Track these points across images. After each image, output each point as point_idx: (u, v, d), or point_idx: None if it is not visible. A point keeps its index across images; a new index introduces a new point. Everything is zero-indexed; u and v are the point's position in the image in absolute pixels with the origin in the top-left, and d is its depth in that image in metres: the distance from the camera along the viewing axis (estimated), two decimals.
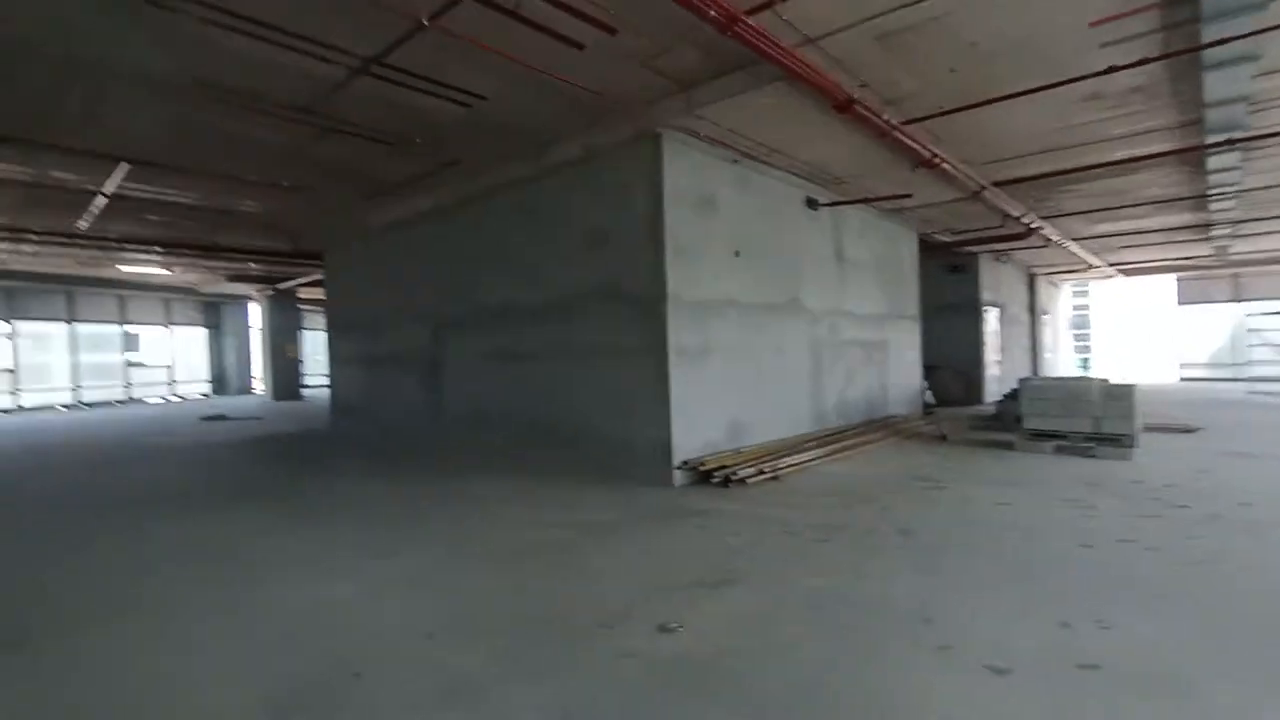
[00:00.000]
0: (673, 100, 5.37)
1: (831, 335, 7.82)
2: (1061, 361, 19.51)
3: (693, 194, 5.87)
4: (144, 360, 19.20)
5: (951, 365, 12.56)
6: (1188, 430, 7.96)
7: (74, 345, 17.42)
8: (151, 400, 18.59)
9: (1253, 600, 2.90)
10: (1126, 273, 16.95)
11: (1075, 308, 24.29)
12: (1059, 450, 6.70)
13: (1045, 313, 17.33)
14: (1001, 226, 9.53)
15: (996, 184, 7.93)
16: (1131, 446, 6.28)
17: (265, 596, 3.22)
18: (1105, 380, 7.01)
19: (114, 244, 10.74)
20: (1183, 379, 18.36)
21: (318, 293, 15.35)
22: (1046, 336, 17.31)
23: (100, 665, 2.54)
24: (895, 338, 9.34)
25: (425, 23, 3.95)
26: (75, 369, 17.43)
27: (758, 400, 6.53)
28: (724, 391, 6.11)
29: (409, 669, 2.45)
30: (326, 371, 11.49)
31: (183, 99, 5.30)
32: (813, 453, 6.56)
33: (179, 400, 18.97)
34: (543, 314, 6.71)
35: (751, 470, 5.67)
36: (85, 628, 2.90)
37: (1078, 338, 25.16)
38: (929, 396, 11.94)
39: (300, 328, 19.86)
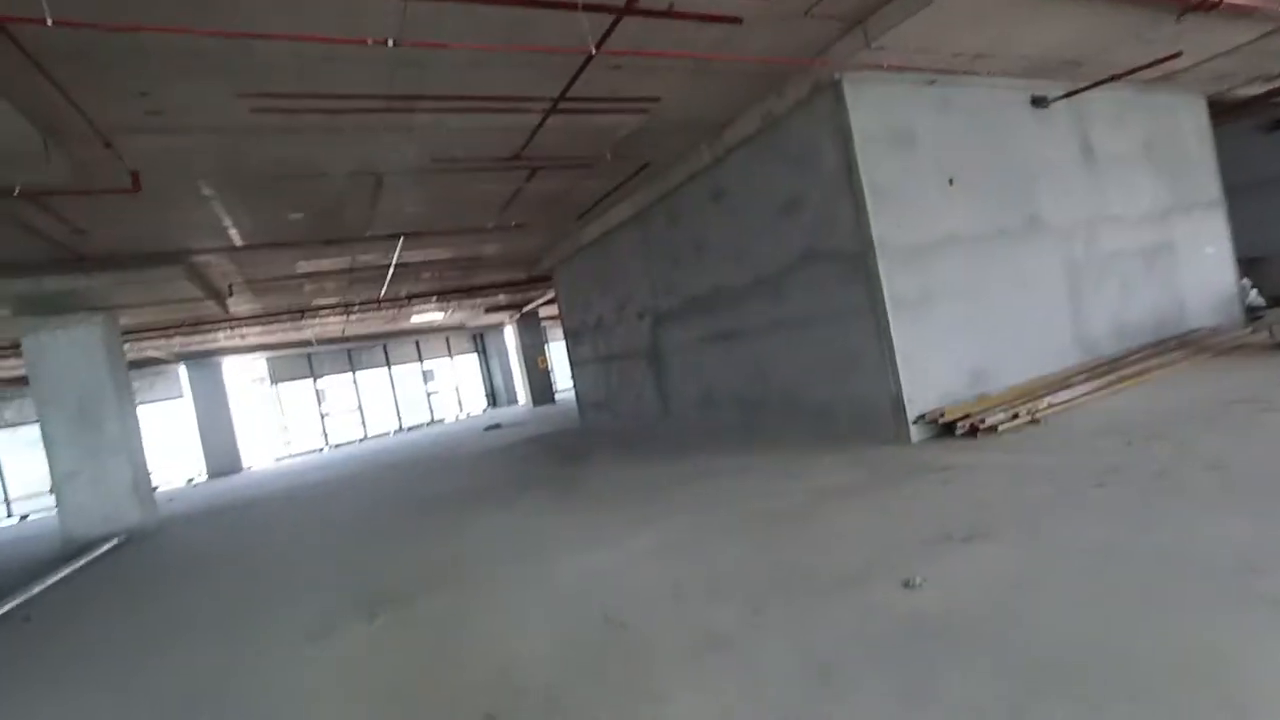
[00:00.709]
0: (846, 41, 5.07)
1: (1089, 249, 6.61)
2: None
3: (886, 131, 5.46)
4: (438, 389, 23.76)
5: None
6: None
7: (393, 384, 22.18)
8: (447, 419, 22.80)
9: None
10: None
11: None
12: None
13: None
14: None
15: None
16: None
17: (547, 569, 3.87)
18: None
19: (404, 300, 13.44)
20: None
21: (553, 309, 17.46)
22: None
23: (434, 624, 3.34)
24: (1186, 234, 7.52)
25: (594, 52, 4.32)
26: (396, 402, 22.20)
27: (1000, 339, 5.83)
28: (955, 336, 5.58)
29: (667, 623, 2.79)
30: (570, 375, 12.98)
31: (427, 177, 6.51)
32: (1081, 388, 5.66)
33: (465, 415, 22.96)
34: (749, 291, 6.81)
35: (1003, 415, 5.12)
36: (428, 596, 3.81)
37: None
38: (1254, 297, 9.37)
39: (545, 342, 22.65)
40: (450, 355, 23.97)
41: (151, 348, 13.28)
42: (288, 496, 10.16)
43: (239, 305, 11.36)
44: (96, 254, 7.12)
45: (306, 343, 17.96)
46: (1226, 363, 6.07)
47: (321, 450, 19.83)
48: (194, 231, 6.96)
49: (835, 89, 5.34)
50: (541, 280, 13.76)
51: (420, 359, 23.08)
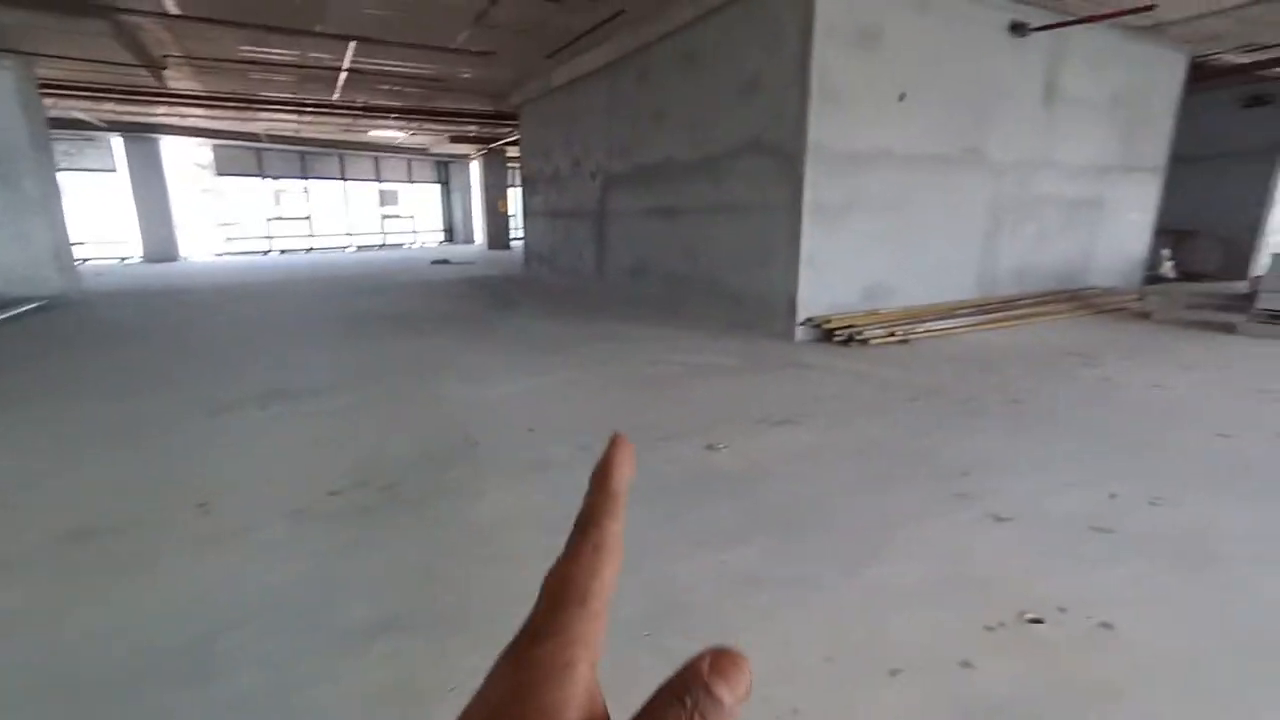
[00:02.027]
0: None
1: (1020, 191, 6.85)
2: None
3: (852, 26, 5.35)
4: (395, 213, 23.13)
5: (1211, 231, 10.13)
6: None
7: (346, 199, 21.42)
8: (402, 245, 22.44)
9: None
10: None
11: None
12: None
13: None
14: None
15: None
16: None
17: (438, 393, 4.31)
18: None
19: (361, 111, 12.72)
20: None
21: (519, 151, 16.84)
22: None
23: (318, 420, 3.77)
24: (1117, 194, 7.80)
25: None
26: (348, 219, 21.59)
27: (908, 261, 6.19)
28: (866, 250, 5.91)
29: (512, 448, 3.28)
30: (522, 224, 12.91)
31: None
32: (965, 319, 6.18)
33: (419, 245, 22.65)
34: (696, 169, 6.85)
35: (880, 332, 5.61)
36: (321, 397, 4.22)
37: None
38: (1168, 269, 9.96)
39: (509, 185, 21.96)
40: (411, 180, 23.06)
41: (79, 109, 12.38)
42: (217, 290, 10.26)
43: (178, 81, 10.60)
44: None
45: (255, 137, 16.98)
46: (1098, 321, 6.65)
47: (265, 254, 19.48)
48: None
49: None
50: (509, 118, 13.16)
51: (378, 178, 22.16)
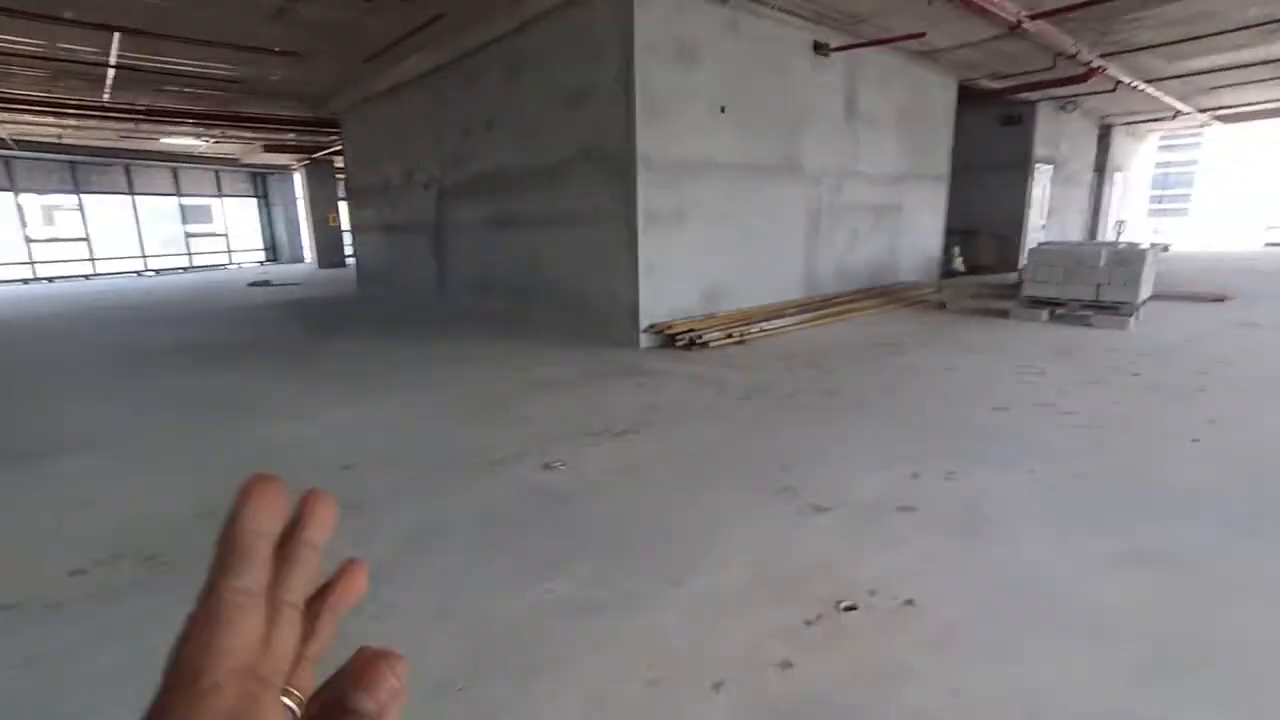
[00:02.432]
0: None
1: (834, 198, 7.48)
2: (1131, 226, 17.87)
3: (670, 43, 5.50)
4: (202, 230, 20.43)
5: (989, 230, 11.82)
6: (1218, 299, 7.43)
7: (137, 216, 18.56)
8: (217, 267, 19.90)
9: (1110, 461, 2.96)
10: (1226, 119, 14.82)
11: (1166, 163, 21.73)
12: (1054, 318, 6.47)
13: (1118, 170, 15.65)
14: (1052, 69, 8.46)
15: (1040, 14, 6.94)
16: (1130, 315, 5.99)
17: (234, 435, 3.75)
18: (1124, 245, 6.56)
19: (142, 115, 11.05)
20: (1268, 244, 16.56)
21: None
22: (1113, 198, 15.76)
23: (78, 478, 3.12)
24: (913, 200, 8.81)
25: None
26: (140, 238, 18.72)
27: (740, 265, 6.49)
28: (701, 256, 6.11)
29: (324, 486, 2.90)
30: (352, 240, 11.93)
31: None
32: (793, 318, 6.59)
33: (237, 266, 20.24)
34: (531, 179, 6.69)
35: (718, 334, 5.81)
36: (102, 446, 3.50)
37: (1167, 199, 22.78)
38: (959, 264, 11.43)
39: (339, 197, 20.34)
40: (221, 194, 20.52)
41: None
42: None
43: None
44: None
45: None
46: (905, 313, 7.44)
47: (26, 281, 16.28)
48: None
49: None
50: (331, 125, 12.11)
51: (179, 192, 19.46)
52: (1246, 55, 9.32)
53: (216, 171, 19.87)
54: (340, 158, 17.01)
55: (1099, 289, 6.14)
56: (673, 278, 5.90)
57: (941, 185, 9.39)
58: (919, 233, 9.12)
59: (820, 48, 6.91)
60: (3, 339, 7.56)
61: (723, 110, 6.00)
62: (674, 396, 4.25)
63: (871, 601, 1.94)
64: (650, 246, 5.65)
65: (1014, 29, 6.95)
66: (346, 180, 11.32)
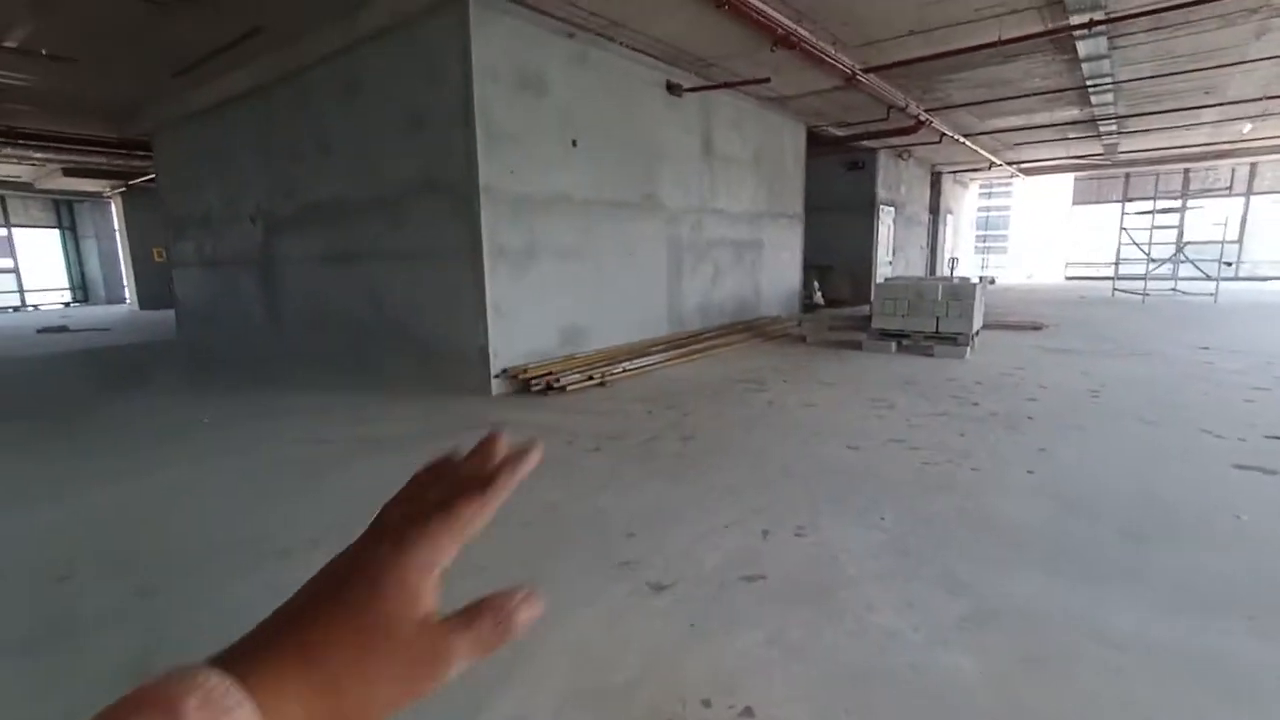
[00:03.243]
0: None
1: (695, 235, 7.48)
2: (962, 263, 19.99)
3: (513, 71, 5.19)
4: None
5: (843, 265, 12.57)
6: (1035, 328, 8.22)
7: None
8: (8, 309, 16.82)
9: (956, 502, 2.91)
10: (1026, 171, 17.08)
11: (987, 208, 24.75)
12: (901, 349, 6.78)
13: (949, 212, 17.46)
14: (887, 120, 9.16)
15: (871, 69, 7.43)
16: (967, 345, 6.38)
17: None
18: (956, 280, 7.03)
19: None
20: (1067, 278, 19.17)
21: None
22: (947, 237, 17.54)
23: None
24: (772, 237, 9.10)
25: None
26: None
27: (600, 304, 6.22)
28: (557, 295, 5.76)
29: (10, 616, 2.15)
30: (171, 277, 10.42)
31: None
32: (658, 356, 6.40)
33: (33, 309, 17.27)
34: (371, 210, 6.04)
35: (578, 377, 5.46)
36: None
37: (990, 238, 25.86)
38: (819, 297, 12.00)
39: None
40: (10, 225, 17.49)
41: None
42: None
43: None
44: None
45: None
46: (769, 347, 7.52)
47: None
48: None
49: (461, 6, 4.85)
50: (144, 146, 10.61)
51: None
52: (1038, 119, 10.71)
53: (2, 198, 16.93)
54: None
55: (938, 321, 6.51)
56: (526, 318, 5.50)
57: (798, 223, 9.81)
58: (780, 268, 9.41)
59: (673, 88, 6.94)
60: None
61: (574, 144, 5.77)
62: None
63: (705, 716, 1.60)
64: (499, 285, 5.23)
65: (850, 81, 7.39)
66: (163, 208, 9.90)
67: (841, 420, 4.28)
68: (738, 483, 3.17)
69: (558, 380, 5.31)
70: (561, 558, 2.46)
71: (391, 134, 5.69)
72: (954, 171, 16.77)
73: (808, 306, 10.88)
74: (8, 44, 6.29)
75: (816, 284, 12.14)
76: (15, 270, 17.56)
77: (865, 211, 12.50)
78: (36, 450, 4.13)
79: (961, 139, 11.58)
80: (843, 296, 12.49)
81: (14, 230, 17.46)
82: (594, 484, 3.23)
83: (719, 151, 7.77)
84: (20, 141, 10.11)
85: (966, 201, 19.75)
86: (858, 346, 7.11)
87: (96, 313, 15.79)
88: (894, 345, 6.81)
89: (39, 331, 11.49)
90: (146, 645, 1.96)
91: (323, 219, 6.66)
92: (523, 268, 5.42)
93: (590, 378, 5.52)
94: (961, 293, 6.48)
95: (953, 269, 17.50)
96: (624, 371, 5.86)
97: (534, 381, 5.29)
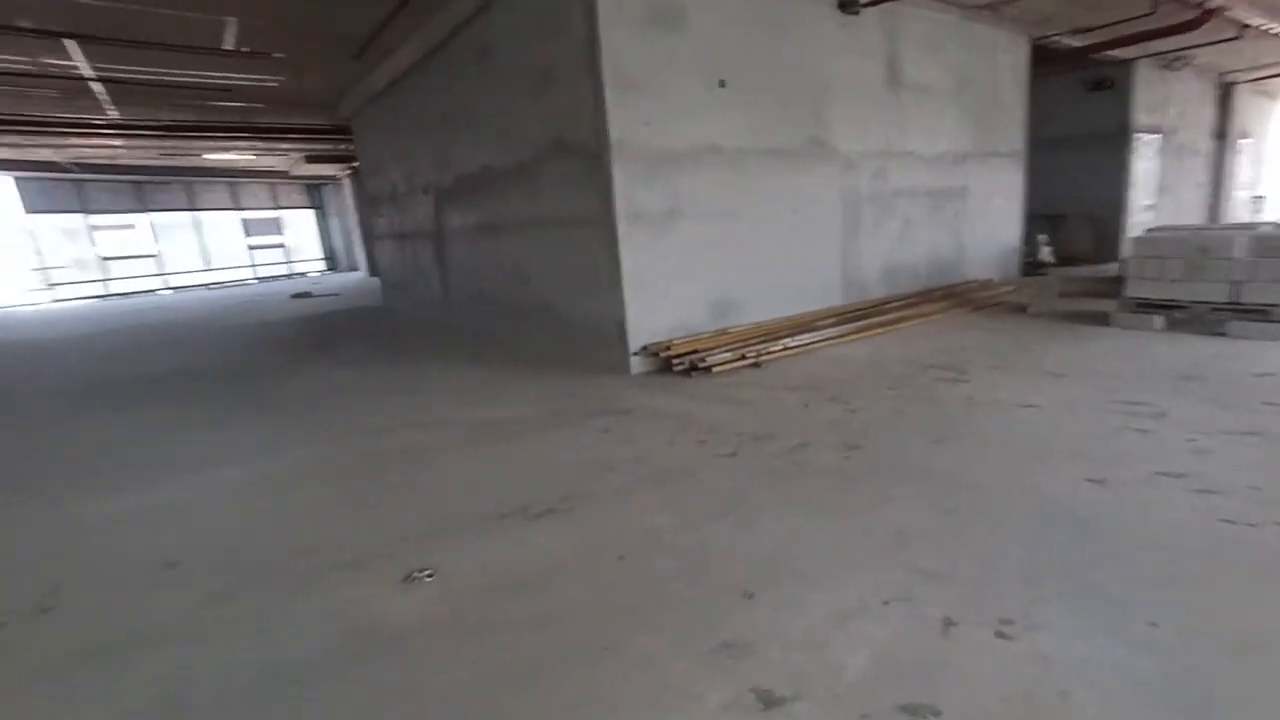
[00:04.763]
0: None
1: (877, 184, 6.23)
2: (1271, 203, 15.15)
3: (643, 4, 4.49)
4: (266, 242, 21.03)
5: (1081, 214, 10.06)
6: None
7: (199, 231, 19.19)
8: (277, 278, 20.30)
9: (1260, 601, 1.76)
10: None
11: None
12: (1172, 326, 5.02)
13: (1246, 136, 13.24)
14: (1153, 13, 6.83)
15: None
16: None
17: (75, 510, 3.07)
18: (1269, 227, 5.02)
19: (165, 131, 11.03)
20: None
21: None
22: (1241, 169, 13.34)
23: None
24: (981, 182, 7.38)
25: None
26: (204, 253, 19.35)
27: (757, 271, 5.40)
28: (705, 262, 5.07)
29: (107, 607, 2.12)
30: (371, 249, 11.53)
31: None
32: (828, 332, 5.44)
33: (302, 277, 20.61)
34: (509, 178, 5.85)
35: (727, 356, 4.76)
36: None
37: None
38: (1046, 255, 9.76)
39: None
40: (279, 206, 21.02)
41: None
42: (9, 347, 8.40)
43: None
44: None
45: (59, 166, 14.71)
46: (974, 318, 6.10)
47: (98, 298, 16.99)
48: None
49: None
50: (346, 131, 11.77)
51: (238, 206, 20.01)
52: None
53: (273, 185, 20.30)
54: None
55: (1236, 287, 4.67)
56: (668, 289, 4.90)
57: (1016, 164, 7.88)
58: (991, 220, 7.66)
59: (846, 4, 5.68)
60: (17, 364, 7.44)
61: (722, 84, 4.92)
62: (642, 449, 3.27)
63: None
64: (637, 253, 4.67)
65: None
66: (361, 185, 10.91)
67: (1077, 433, 3.09)
68: (913, 526, 2.31)
69: (703, 360, 4.66)
70: (643, 622, 1.86)
71: (521, 96, 5.36)
72: (1258, 79, 12.55)
73: (1031, 267, 8.84)
74: (225, 47, 7.03)
75: (1044, 238, 9.85)
76: (285, 245, 21.20)
77: (1114, 143, 9.79)
78: (210, 420, 4.52)
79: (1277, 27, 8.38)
80: (1080, 253, 10.02)
81: (283, 211, 20.99)
82: (715, 505, 2.57)
83: (909, 80, 6.34)
84: (261, 135, 11.73)
85: (1274, 119, 14.83)
86: (1103, 321, 5.44)
87: (336, 280, 18.32)
88: (1160, 321, 5.07)
89: (291, 297, 13.54)
90: (151, 692, 1.76)
91: (473, 190, 6.65)
92: (664, 232, 4.80)
93: (743, 357, 4.79)
94: (1276, 245, 4.55)
95: (1257, 212, 13.36)
96: (783, 350, 5.03)
97: (676, 360, 4.70)
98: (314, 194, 21.98)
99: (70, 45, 6.56)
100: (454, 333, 7.41)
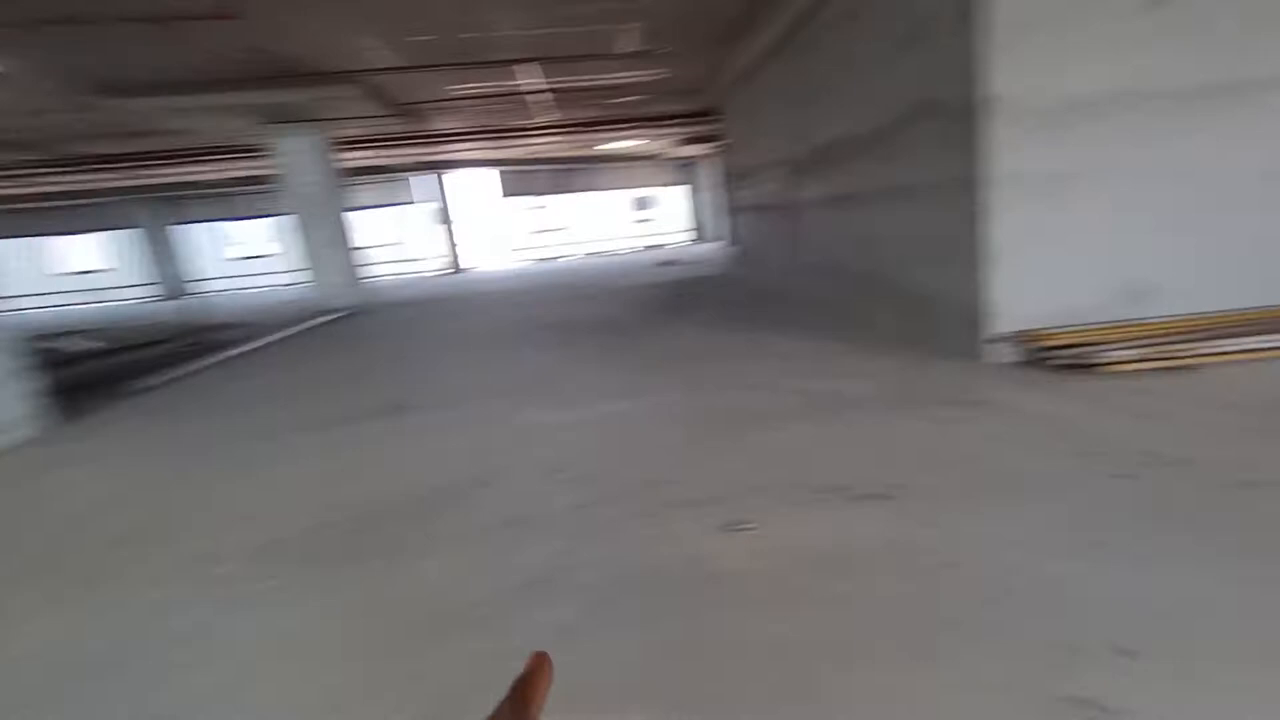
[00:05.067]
0: None
1: None
2: None
3: None
4: (646, 217, 24.55)
5: None
6: None
7: (598, 209, 23.37)
8: (654, 248, 23.42)
9: None
10: None
11: None
12: None
13: None
14: None
15: None
16: None
17: (508, 419, 4.09)
18: None
19: (581, 127, 13.54)
20: None
21: None
22: None
23: (420, 432, 3.81)
24: None
25: None
26: (600, 227, 23.54)
27: (1186, 247, 4.06)
28: (1105, 233, 4.03)
29: (511, 497, 2.87)
30: (732, 221, 12.32)
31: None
32: None
33: (673, 245, 23.50)
34: (866, 146, 5.54)
35: (1131, 354, 3.77)
36: (430, 411, 4.32)
37: None
38: None
39: None
40: (658, 185, 24.21)
41: (378, 157, 15.46)
42: (464, 300, 11.81)
43: (440, 123, 12.49)
44: (296, 72, 8.17)
45: (515, 160, 19.38)
46: None
47: (534, 263, 22.10)
48: (350, 56, 7.61)
49: None
50: (715, 113, 12.71)
51: (628, 186, 23.68)
52: None
53: (654, 166, 23.36)
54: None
55: None
56: (1051, 266, 4.05)
57: None
58: None
59: None
60: (481, 313, 10.29)
61: (1156, 2, 3.72)
62: (998, 449, 2.86)
63: None
64: (1011, 222, 3.96)
65: None
66: (725, 162, 11.70)
67: None
68: None
69: (1094, 355, 3.78)
70: (970, 642, 1.66)
71: (883, 59, 4.96)
72: None
73: None
74: (628, 50, 8.24)
75: None
76: (656, 219, 24.39)
77: None
78: (588, 365, 5.50)
79: None
80: None
81: (658, 189, 24.12)
82: (1093, 535, 2.11)
83: None
84: (647, 124, 13.52)
85: None
86: None
87: (700, 250, 20.18)
88: None
89: (658, 265, 15.51)
90: (533, 573, 2.27)
91: (827, 160, 6.52)
92: (1051, 198, 3.97)
93: (1155, 359, 3.73)
94: None
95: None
96: (1220, 354, 3.74)
97: (1055, 352, 3.92)
98: (685, 172, 24.53)
99: (522, 68, 8.53)
100: (801, 303, 7.50)
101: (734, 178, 11.36)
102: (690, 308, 8.23)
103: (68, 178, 14.10)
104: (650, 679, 1.64)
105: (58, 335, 10.11)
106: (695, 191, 24.95)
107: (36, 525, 3.16)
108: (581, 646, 1.78)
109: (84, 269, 21.69)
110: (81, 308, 20.18)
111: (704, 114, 13.13)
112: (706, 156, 21.99)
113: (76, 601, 2.33)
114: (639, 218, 24.99)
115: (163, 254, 21.32)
